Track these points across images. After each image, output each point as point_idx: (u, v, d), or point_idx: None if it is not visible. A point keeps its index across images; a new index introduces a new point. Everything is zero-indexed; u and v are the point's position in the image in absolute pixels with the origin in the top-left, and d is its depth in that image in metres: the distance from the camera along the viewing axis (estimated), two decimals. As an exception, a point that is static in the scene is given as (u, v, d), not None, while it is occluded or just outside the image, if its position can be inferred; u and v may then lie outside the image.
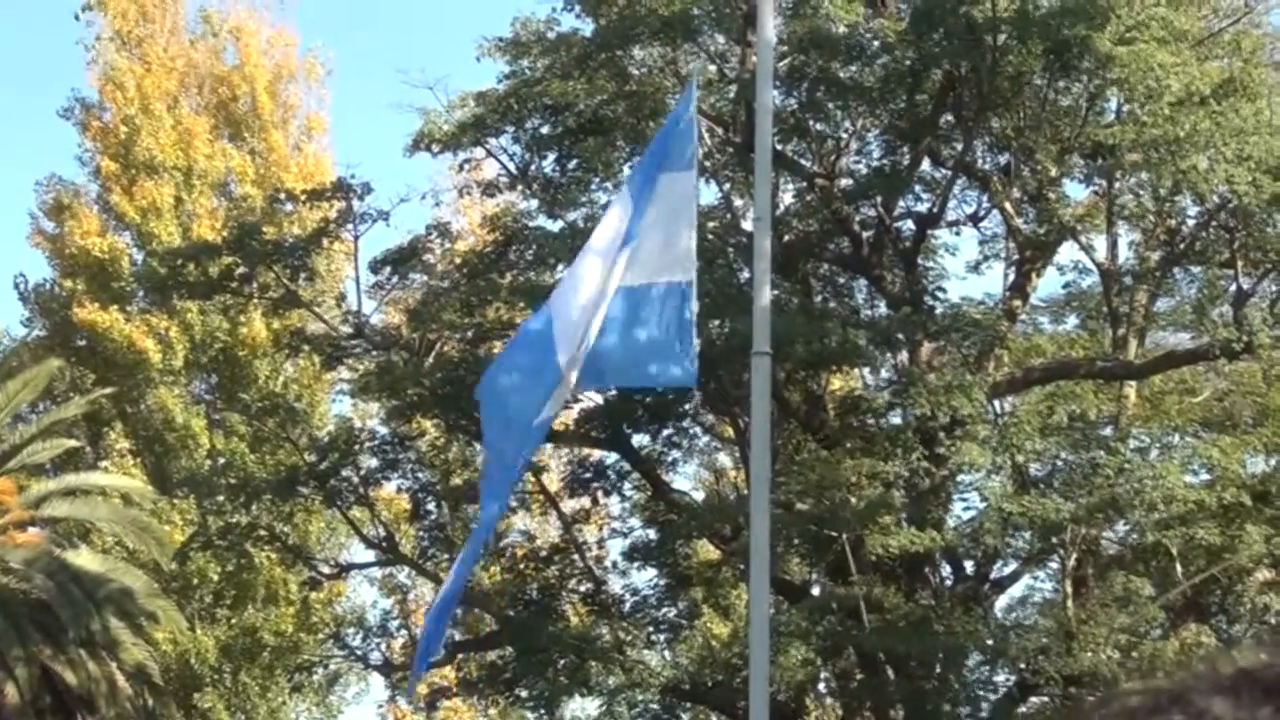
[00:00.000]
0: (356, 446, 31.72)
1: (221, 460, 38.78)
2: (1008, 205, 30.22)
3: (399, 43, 78.40)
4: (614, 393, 30.69)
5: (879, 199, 30.34)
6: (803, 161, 30.55)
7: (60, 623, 36.02)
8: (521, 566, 32.45)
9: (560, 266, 28.03)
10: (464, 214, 38.42)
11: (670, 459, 32.78)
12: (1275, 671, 1.09)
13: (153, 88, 46.56)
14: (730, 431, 31.61)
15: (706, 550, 31.61)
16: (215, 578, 42.20)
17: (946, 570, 29.99)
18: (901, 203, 30.56)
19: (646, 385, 15.97)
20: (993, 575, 30.54)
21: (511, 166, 31.46)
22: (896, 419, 29.22)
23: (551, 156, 30.75)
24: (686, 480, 35.19)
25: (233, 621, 44.42)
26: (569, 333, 14.56)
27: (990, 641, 29.18)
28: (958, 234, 31.60)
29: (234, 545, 34.93)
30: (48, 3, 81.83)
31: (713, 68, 30.05)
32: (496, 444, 16.10)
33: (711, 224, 29.27)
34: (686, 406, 31.26)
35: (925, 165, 30.44)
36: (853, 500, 27.79)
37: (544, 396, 14.84)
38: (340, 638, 38.40)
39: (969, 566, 30.19)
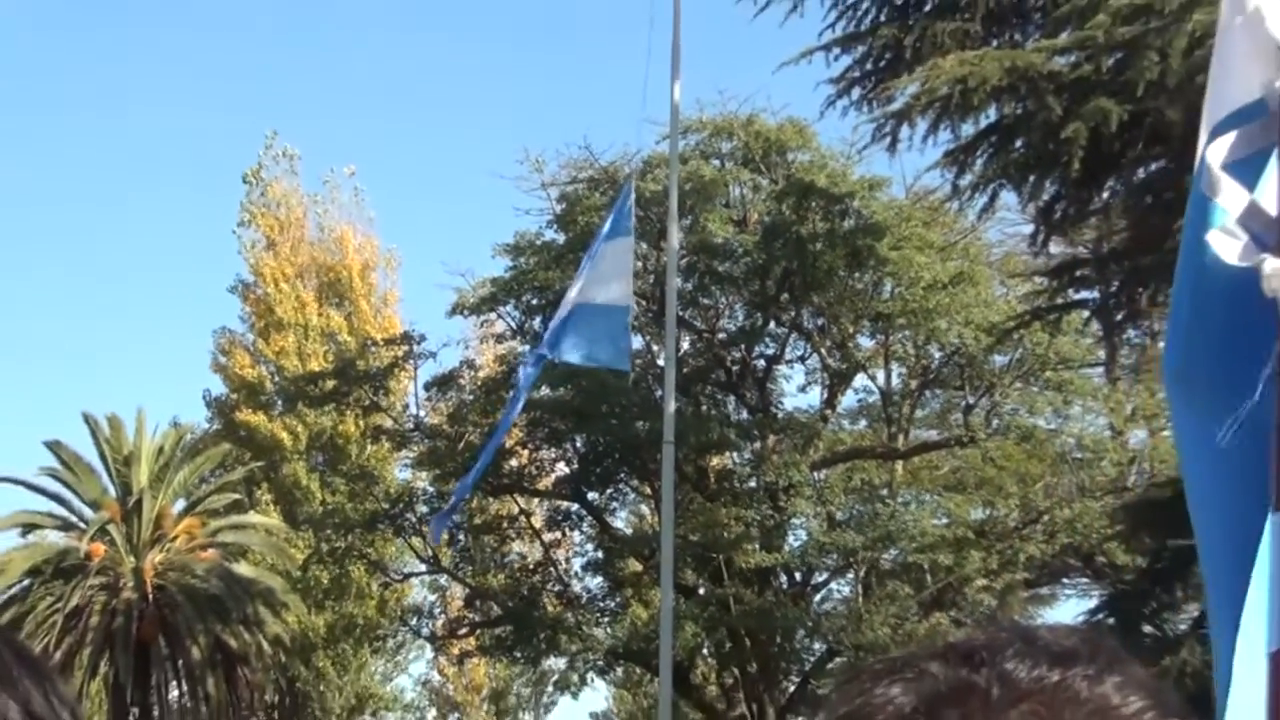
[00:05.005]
0: (414, 500, 31.55)
1: (329, 508, 38.50)
2: (823, 350, 30.28)
3: (445, 241, 78.42)
4: (577, 467, 30.63)
5: (743, 346, 30.37)
6: (695, 323, 30.55)
7: (227, 609, 35.79)
8: (517, 575, 32.23)
9: (544, 388, 28.07)
10: (483, 354, 38.30)
11: (612, 508, 32.69)
12: (971, 642, 1.08)
13: (278, 273, 46.76)
14: (649, 491, 31.50)
15: (634, 565, 31.46)
16: (325, 581, 41.81)
17: (783, 579, 29.84)
18: (756, 349, 30.57)
19: (592, 364, 16.72)
20: (813, 582, 30.41)
21: (513, 325, 31.44)
22: (753, 484, 29.11)
23: (539, 319, 30.72)
24: (622, 521, 35.06)
25: (336, 610, 44.01)
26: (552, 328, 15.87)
27: (810, 623, 29.07)
28: (792, 368, 31.67)
29: (337, 561, 34.70)
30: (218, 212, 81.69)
31: (638, 263, 30.04)
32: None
33: (638, 362, 29.28)
34: (621, 475, 31.14)
35: (771, 326, 30.46)
36: (725, 534, 27.72)
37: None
38: (404, 620, 38.12)
39: (798, 576, 30.07)
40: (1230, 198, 2.37)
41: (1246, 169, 2.39)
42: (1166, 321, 2.80)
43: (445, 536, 33.46)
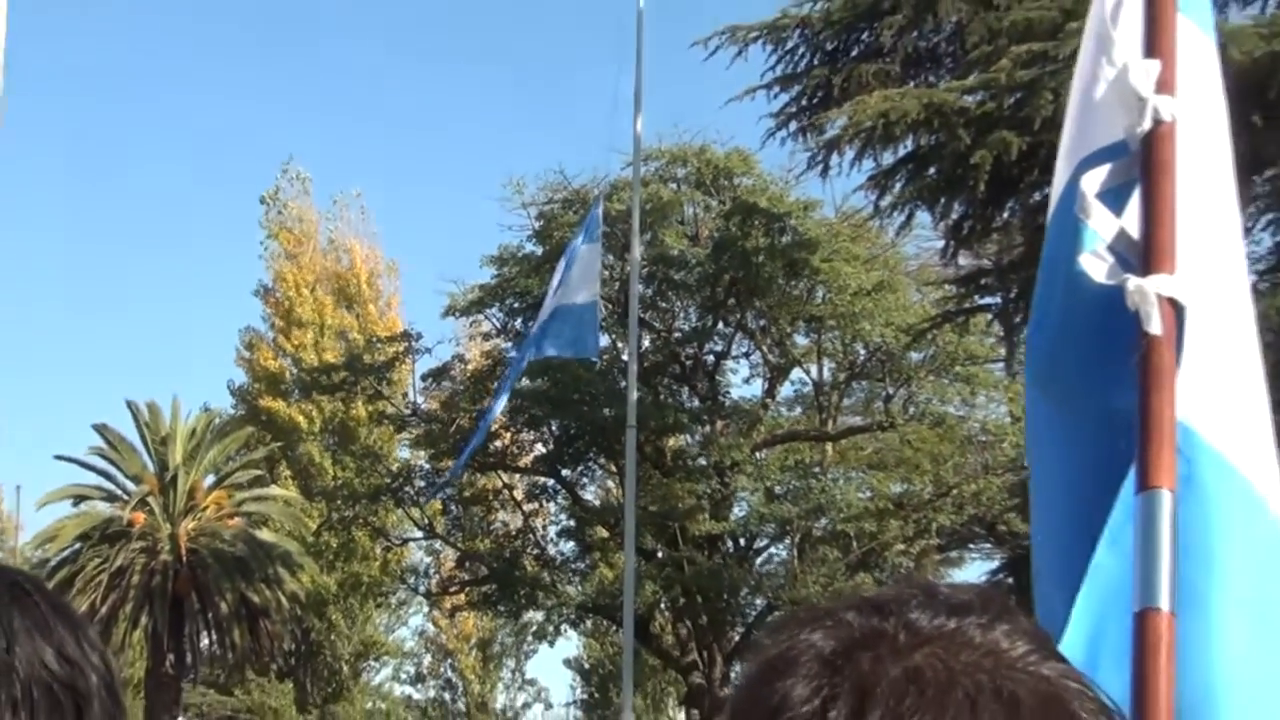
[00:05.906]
0: (413, 475, 31.50)
1: (339, 482, 38.36)
2: (764, 348, 30.30)
3: (440, 253, 78.62)
4: (552, 447, 30.59)
5: (695, 344, 30.38)
6: (654, 324, 30.56)
7: (250, 569, 35.62)
8: (501, 541, 32.20)
9: (525, 380, 28.03)
10: (471, 350, 38.19)
11: (582, 483, 32.64)
12: (882, 596, 1.08)
13: (298, 279, 46.65)
14: (614, 468, 31.48)
15: (601, 532, 31.47)
16: (335, 545, 41.69)
17: (730, 544, 29.87)
18: (707, 346, 30.60)
19: (566, 355, 16.92)
20: (755, 547, 30.44)
21: (498, 325, 31.39)
22: (703, 461, 29.15)
23: (520, 320, 30.66)
24: (591, 494, 35.02)
25: (344, 570, 43.90)
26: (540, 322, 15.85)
27: (752, 583, 29.14)
28: (737, 363, 31.69)
29: (346, 528, 34.59)
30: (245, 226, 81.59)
31: (605, 272, 29.95)
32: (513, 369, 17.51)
33: (605, 357, 29.25)
34: (591, 454, 31.10)
35: (720, 326, 30.48)
36: (679, 506, 27.74)
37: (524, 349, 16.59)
38: (404, 579, 38.02)
39: (742, 542, 30.09)
40: (1102, 223, 2.40)
41: (1114, 197, 2.42)
42: (1028, 328, 2.82)
43: (439, 506, 33.46)
